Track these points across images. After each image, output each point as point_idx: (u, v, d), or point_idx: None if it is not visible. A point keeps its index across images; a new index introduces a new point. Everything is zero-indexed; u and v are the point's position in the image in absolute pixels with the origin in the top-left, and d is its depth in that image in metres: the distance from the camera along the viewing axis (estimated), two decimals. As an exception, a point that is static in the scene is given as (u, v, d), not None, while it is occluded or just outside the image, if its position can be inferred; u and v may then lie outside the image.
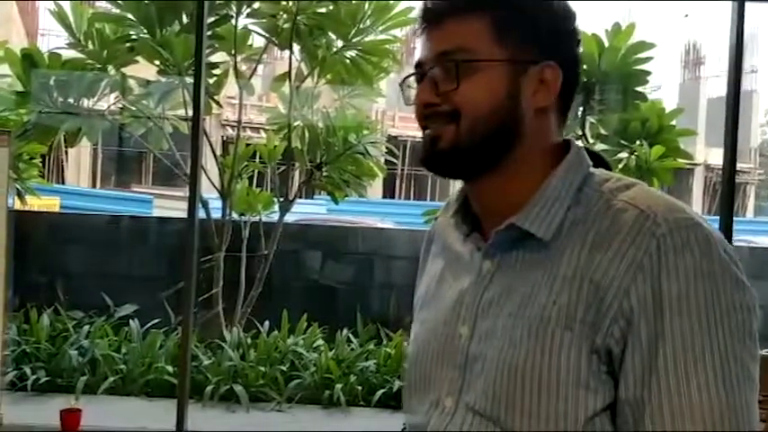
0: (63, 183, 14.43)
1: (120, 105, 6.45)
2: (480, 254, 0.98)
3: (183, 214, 10.66)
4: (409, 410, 1.02)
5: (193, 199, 4.88)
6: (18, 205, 6.51)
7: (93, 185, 15.50)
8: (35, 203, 7.34)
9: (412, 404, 1.02)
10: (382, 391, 5.41)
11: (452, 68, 0.94)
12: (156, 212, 10.45)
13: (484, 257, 0.97)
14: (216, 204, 6.52)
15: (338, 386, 5.39)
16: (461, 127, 0.94)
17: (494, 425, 0.90)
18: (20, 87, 6.21)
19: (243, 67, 6.71)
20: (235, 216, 6.60)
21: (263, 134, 9.21)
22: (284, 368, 5.63)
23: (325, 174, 6.35)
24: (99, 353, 5.67)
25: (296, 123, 6.59)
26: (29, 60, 5.94)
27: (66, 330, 6.07)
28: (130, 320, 6.23)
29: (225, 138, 14.33)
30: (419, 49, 1.00)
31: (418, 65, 0.99)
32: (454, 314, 0.98)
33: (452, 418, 0.94)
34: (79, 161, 15.19)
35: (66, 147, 7.36)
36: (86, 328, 6.07)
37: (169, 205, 11.26)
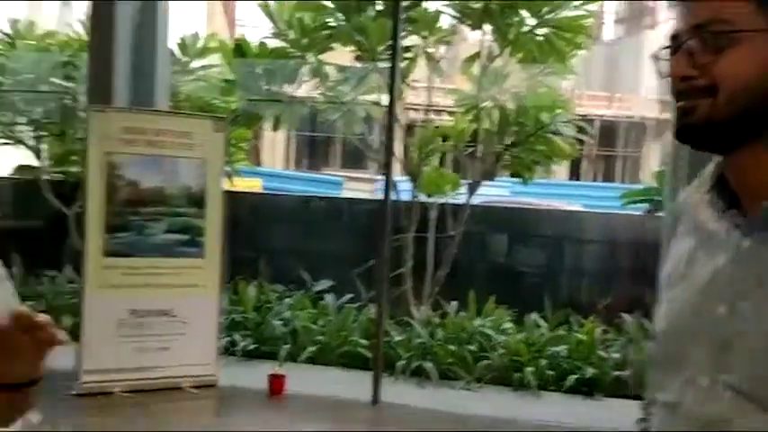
0: (260, 165, 15.41)
1: (318, 91, 6.77)
2: (738, 231, 0.96)
3: (369, 195, 11.08)
4: (659, 387, 1.03)
5: (387, 181, 5.05)
6: (226, 186, 7.04)
7: (287, 168, 16.43)
8: (240, 185, 7.90)
9: (662, 381, 1.02)
10: (574, 376, 5.33)
11: (710, 40, 0.92)
12: (344, 194, 10.88)
13: (743, 235, 0.95)
14: (404, 186, 6.70)
15: (528, 369, 5.38)
16: (718, 100, 0.92)
17: (756, 405, 0.89)
18: (228, 76, 6.72)
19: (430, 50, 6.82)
20: (422, 197, 6.74)
21: (445, 117, 9.29)
22: (473, 348, 5.70)
23: (514, 154, 6.32)
24: (299, 324, 6.03)
25: (484, 104, 6.61)
26: (239, 50, 6.40)
27: (270, 302, 6.52)
28: (326, 295, 6.57)
29: (409, 121, 14.65)
30: (675, 21, 0.99)
31: (674, 37, 0.98)
32: (710, 293, 0.97)
33: (710, 396, 0.93)
34: (274, 145, 16.15)
35: (273, 131, 7.83)
36: (287, 300, 6.49)
37: (355, 187, 11.73)
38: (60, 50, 7.32)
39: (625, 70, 20.30)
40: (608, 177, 18.76)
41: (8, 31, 7.65)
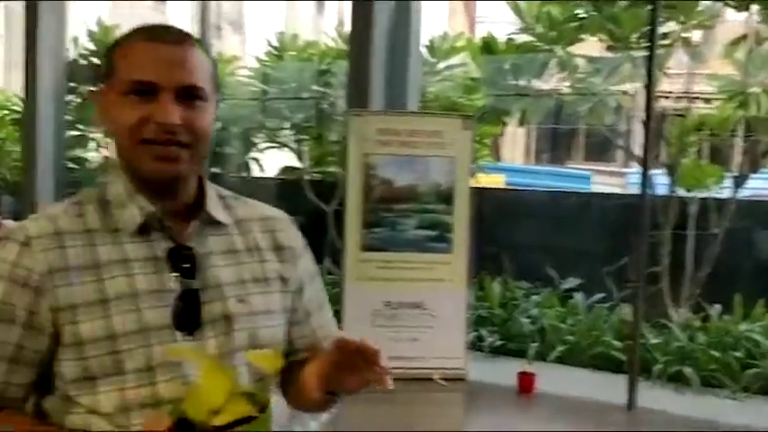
0: (499, 160, 15.43)
1: (566, 83, 6.62)
2: None
3: (619, 189, 10.63)
4: None
5: (645, 174, 4.81)
6: (470, 183, 7.13)
7: (527, 162, 16.28)
8: (483, 181, 7.96)
9: None
10: None
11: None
12: (592, 188, 10.54)
13: None
14: (660, 180, 6.33)
15: (806, 381, 4.85)
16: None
17: None
18: (474, 74, 6.79)
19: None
20: (681, 192, 6.33)
21: (698, 104, 8.64)
22: (739, 354, 5.25)
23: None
24: (548, 322, 5.95)
25: (751, 90, 6.05)
26: (486, 47, 6.45)
27: (515, 299, 6.50)
28: (575, 293, 6.41)
29: (663, 110, 13.83)
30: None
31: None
32: None
33: None
34: (514, 139, 16.07)
35: (519, 126, 7.82)
36: (534, 297, 6.43)
37: (603, 181, 11.31)
38: (319, 59, 7.86)
39: None
40: None
41: (275, 43, 8.37)
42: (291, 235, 1.34)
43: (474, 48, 6.58)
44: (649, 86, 4.73)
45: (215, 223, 1.22)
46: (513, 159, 16.34)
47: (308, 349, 1.33)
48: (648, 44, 4.88)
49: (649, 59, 4.79)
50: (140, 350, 1.10)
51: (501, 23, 6.81)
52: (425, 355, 5.09)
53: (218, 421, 0.93)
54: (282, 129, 8.56)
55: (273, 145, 8.82)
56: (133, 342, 1.09)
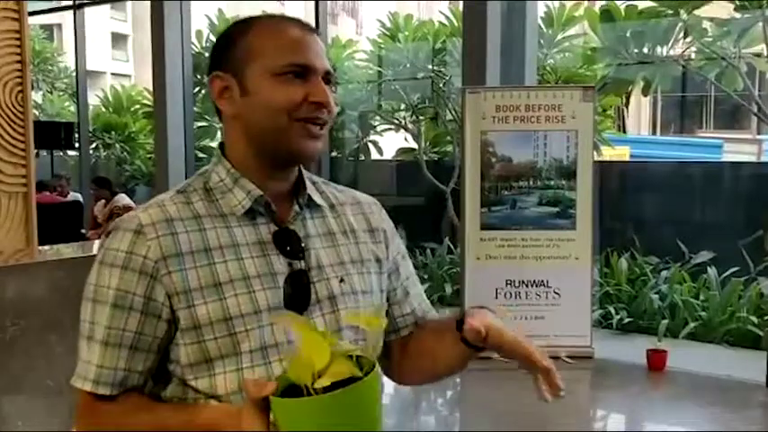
0: (624, 132, 14.86)
1: (694, 49, 6.31)
2: None
3: (751, 158, 10.02)
4: None
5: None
6: (594, 156, 6.93)
7: (654, 133, 15.60)
8: (609, 153, 7.72)
9: None
10: None
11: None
12: (724, 157, 9.99)
13: None
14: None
15: None
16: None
17: None
18: (594, 44, 6.58)
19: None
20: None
21: None
22: None
23: None
24: (678, 298, 5.73)
25: None
26: (606, 15, 6.23)
27: (644, 275, 6.29)
28: (708, 268, 6.13)
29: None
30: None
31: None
32: None
33: None
34: (639, 109, 15.44)
35: (643, 95, 7.53)
36: (664, 273, 6.19)
37: (736, 149, 10.69)
38: (434, 38, 7.84)
39: None
40: None
41: (388, 25, 8.41)
42: (383, 218, 1.36)
43: (593, 16, 6.36)
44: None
45: (312, 206, 1.25)
46: (639, 131, 15.70)
47: (410, 327, 1.35)
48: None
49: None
50: (255, 331, 1.12)
51: (619, -9, 6.55)
52: (550, 333, 5.01)
53: (322, 383, 0.92)
54: (399, 110, 8.61)
55: (390, 127, 8.89)
56: (248, 324, 1.12)
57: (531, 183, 5.08)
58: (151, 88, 7.79)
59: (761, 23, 5.74)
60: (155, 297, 1.13)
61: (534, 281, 5.03)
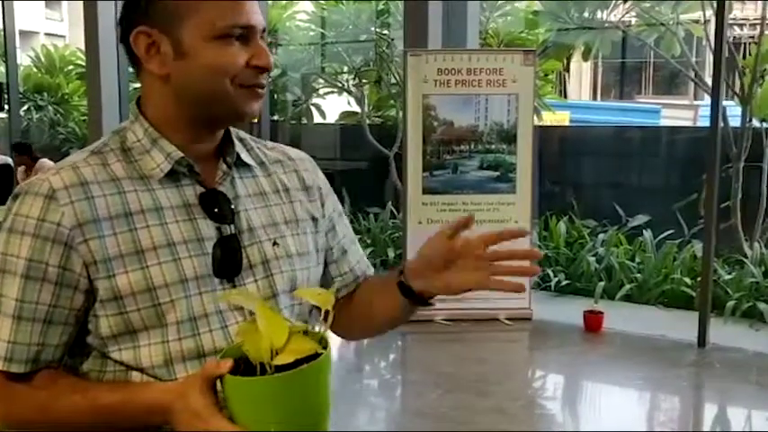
0: (565, 97, 15.03)
1: (634, 14, 6.36)
2: None
3: (688, 123, 10.24)
4: None
5: (717, 105, 4.61)
6: (534, 121, 6.98)
7: (594, 98, 15.80)
8: (549, 118, 7.78)
9: None
10: None
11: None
12: (662, 122, 10.19)
13: None
14: (734, 111, 6.07)
15: None
16: None
17: None
18: (536, 8, 6.57)
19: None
20: (756, 123, 6.06)
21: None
22: (819, 290, 5.08)
23: None
24: (615, 261, 5.85)
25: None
26: (547, -20, 6.22)
27: (582, 238, 6.40)
28: (643, 231, 6.27)
29: (735, 38, 13.18)
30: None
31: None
32: None
33: None
34: (580, 75, 15.60)
35: (583, 60, 7.59)
36: (601, 236, 6.31)
37: (673, 114, 10.91)
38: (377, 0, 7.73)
39: None
40: None
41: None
42: (317, 174, 1.29)
43: (535, -20, 6.35)
44: (721, 12, 4.49)
45: (241, 165, 1.17)
46: (580, 96, 15.88)
47: (349, 286, 1.30)
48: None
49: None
50: (182, 301, 1.06)
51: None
52: (491, 295, 5.05)
53: (281, 360, 0.90)
54: (342, 73, 8.51)
55: (333, 90, 8.78)
56: (174, 293, 1.05)
57: (472, 147, 5.09)
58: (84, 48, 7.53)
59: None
60: (70, 267, 1.05)
61: (475, 245, 5.07)
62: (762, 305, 5.02)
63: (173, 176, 1.12)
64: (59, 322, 1.07)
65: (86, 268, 1.05)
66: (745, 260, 5.58)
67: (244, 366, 0.94)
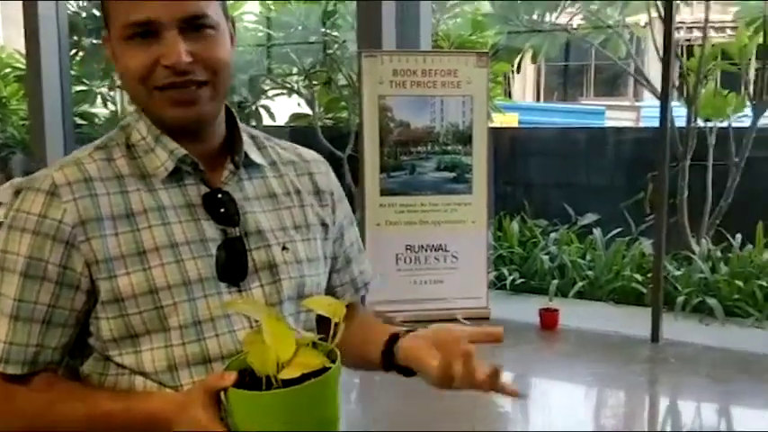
0: (510, 98, 15.23)
1: (580, 17, 6.48)
2: None
3: (631, 123, 10.49)
4: None
5: (665, 106, 4.73)
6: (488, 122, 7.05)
7: (538, 100, 16.06)
8: (498, 120, 7.86)
9: None
10: None
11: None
12: (606, 123, 10.41)
13: None
14: (678, 112, 6.23)
15: (831, 307, 4.85)
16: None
17: None
18: (486, 11, 6.64)
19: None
20: (700, 123, 6.24)
21: (714, 34, 8.45)
22: (762, 283, 5.24)
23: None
24: (567, 259, 5.95)
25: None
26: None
27: (534, 237, 6.49)
28: (593, 229, 6.39)
29: (680, 41, 13.54)
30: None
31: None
32: None
33: None
34: (524, 77, 15.83)
35: (532, 62, 7.70)
36: (553, 235, 6.41)
37: (616, 116, 11.15)
38: (326, 1, 7.69)
39: None
40: None
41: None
42: (330, 178, 1.24)
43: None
44: (669, 15, 4.61)
45: (250, 165, 1.12)
46: (524, 97, 16.12)
47: (348, 297, 1.26)
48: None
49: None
50: (184, 304, 1.02)
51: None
52: (449, 296, 5.10)
53: (288, 374, 0.87)
54: (291, 74, 8.43)
55: (282, 92, 8.69)
56: (176, 296, 1.02)
57: (429, 148, 5.11)
58: (23, 51, 7.28)
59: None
60: (71, 266, 1.01)
61: (433, 245, 5.09)
62: (711, 300, 5.17)
63: (176, 175, 1.08)
64: (59, 323, 1.03)
65: (88, 267, 1.02)
66: (693, 256, 5.74)
67: (249, 379, 0.91)
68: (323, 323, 1.17)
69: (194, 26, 1.02)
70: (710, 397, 4.19)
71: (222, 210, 1.08)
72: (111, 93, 8.97)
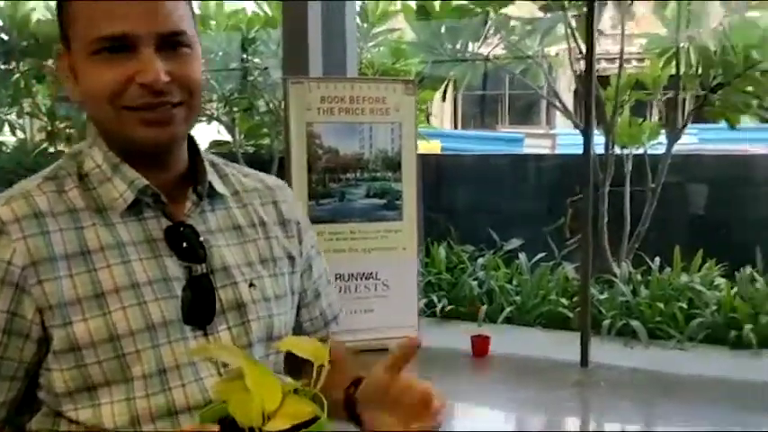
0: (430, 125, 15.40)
1: (501, 46, 6.61)
2: None
3: (547, 151, 10.74)
4: None
5: (589, 133, 4.85)
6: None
7: (455, 127, 16.31)
8: (423, 147, 7.91)
9: None
10: (801, 334, 4.93)
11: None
12: (525, 151, 10.63)
13: None
14: (597, 139, 6.40)
15: (747, 327, 5.02)
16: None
17: None
18: (407, 39, 6.69)
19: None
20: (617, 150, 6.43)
21: (633, 64, 8.79)
22: (682, 305, 5.41)
23: (719, 97, 5.85)
24: (495, 284, 5.99)
25: (680, 46, 6.17)
26: (422, 12, 6.35)
27: (462, 263, 6.51)
28: (519, 254, 6.47)
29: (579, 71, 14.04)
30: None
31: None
32: None
33: None
34: (442, 105, 16.07)
35: (455, 91, 7.80)
36: (480, 260, 6.45)
37: (531, 143, 11.41)
38: (247, 28, 7.61)
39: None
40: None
41: (197, 12, 8.04)
42: (296, 206, 1.17)
43: (409, 12, 6.47)
44: (590, 47, 4.74)
45: (213, 196, 1.04)
46: (442, 125, 16.35)
47: (317, 332, 1.18)
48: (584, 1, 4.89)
49: (588, 18, 4.80)
50: (148, 351, 0.93)
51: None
52: (380, 325, 5.02)
53: (276, 426, 0.79)
54: (211, 101, 8.27)
55: (202, 118, 8.52)
56: (140, 342, 0.92)
57: (358, 175, 5.05)
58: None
59: (561, 24, 6.12)
60: (21, 312, 0.90)
61: (364, 273, 5.01)
62: (634, 323, 5.28)
63: (135, 208, 0.98)
64: (6, 376, 0.92)
65: (40, 314, 0.91)
66: (615, 279, 5.86)
67: (228, 430, 0.82)
68: (288, 365, 1.09)
69: (171, 43, 0.95)
70: (637, 419, 4.27)
71: (185, 245, 0.99)
72: (21, 120, 8.59)
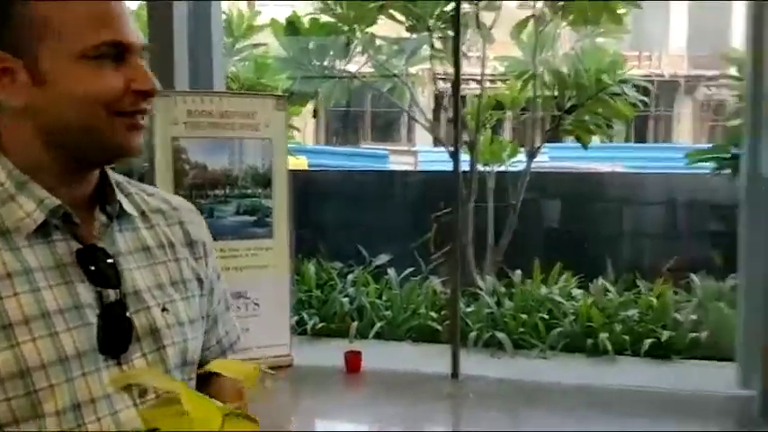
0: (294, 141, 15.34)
1: (369, 65, 6.70)
2: None
3: (410, 167, 10.98)
4: None
5: (456, 151, 4.99)
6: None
7: (318, 143, 16.35)
8: (290, 163, 7.85)
9: None
10: (649, 340, 5.28)
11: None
12: (390, 167, 10.81)
13: None
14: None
15: (603, 335, 5.33)
16: None
17: None
18: (274, 54, 6.64)
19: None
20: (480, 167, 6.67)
21: (494, 85, 9.17)
22: (544, 316, 5.66)
23: (574, 118, 6.22)
24: (366, 300, 6.02)
25: (537, 69, 6.50)
26: (291, 27, 6.32)
27: (331, 279, 6.51)
28: (388, 269, 6.54)
29: (438, 92, 14.48)
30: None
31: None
32: None
33: None
34: (305, 121, 16.08)
35: (324, 107, 7.79)
36: (349, 276, 6.47)
37: (397, 160, 11.64)
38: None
39: (651, 28, 19.91)
40: (641, 138, 18.51)
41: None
42: (202, 228, 1.13)
43: (278, 27, 6.42)
44: (456, 67, 4.89)
45: (120, 216, 0.99)
46: (305, 141, 16.34)
47: (215, 359, 1.11)
48: (449, 24, 5.06)
49: (455, 40, 4.96)
50: (62, 386, 0.87)
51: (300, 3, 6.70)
52: (252, 344, 4.88)
53: None
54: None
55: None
56: (53, 377, 0.86)
57: (227, 191, 4.94)
58: None
59: (426, 44, 6.29)
60: None
61: (234, 293, 4.89)
62: (500, 334, 5.47)
63: (43, 230, 0.91)
64: None
65: None
66: (480, 292, 6.05)
67: None
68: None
69: (141, 55, 0.96)
70: (505, 426, 4.40)
71: (93, 268, 0.92)
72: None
